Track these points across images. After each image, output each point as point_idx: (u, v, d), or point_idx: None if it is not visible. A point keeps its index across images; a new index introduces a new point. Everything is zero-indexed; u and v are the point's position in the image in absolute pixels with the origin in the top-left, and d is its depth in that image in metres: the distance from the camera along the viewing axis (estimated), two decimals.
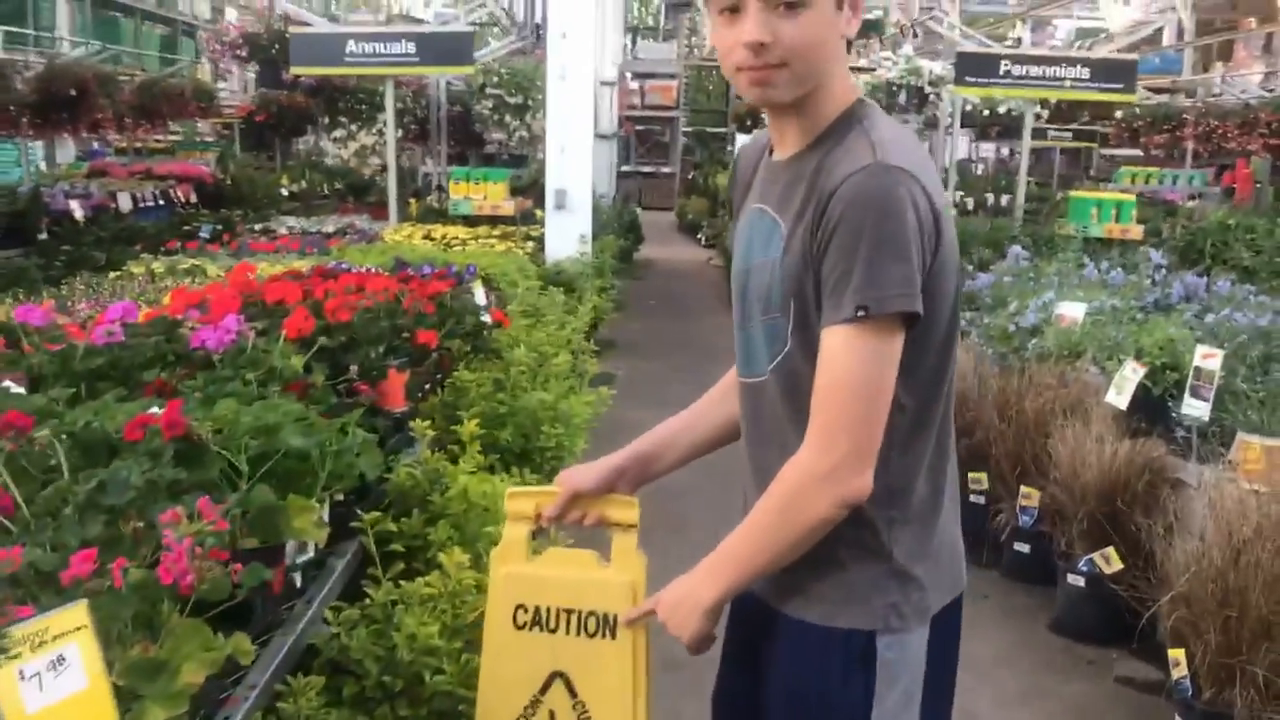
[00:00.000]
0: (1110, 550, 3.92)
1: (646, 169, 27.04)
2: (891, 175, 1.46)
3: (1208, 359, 3.76)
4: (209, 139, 18.73)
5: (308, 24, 8.96)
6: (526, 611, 1.78)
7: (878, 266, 1.44)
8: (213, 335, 3.16)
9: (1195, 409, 3.78)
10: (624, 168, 25.29)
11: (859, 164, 1.47)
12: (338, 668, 2.27)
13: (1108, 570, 3.93)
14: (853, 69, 12.16)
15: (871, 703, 1.57)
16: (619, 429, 7.26)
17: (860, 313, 1.44)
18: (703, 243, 18.75)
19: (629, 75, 25.73)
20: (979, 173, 18.58)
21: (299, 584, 2.51)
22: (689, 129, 27.83)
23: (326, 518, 2.84)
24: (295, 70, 8.43)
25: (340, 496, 2.81)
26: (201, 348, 3.14)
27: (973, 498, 4.97)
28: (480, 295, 5.00)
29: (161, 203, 11.96)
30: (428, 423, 3.18)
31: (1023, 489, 4.49)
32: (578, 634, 1.74)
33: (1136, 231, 8.52)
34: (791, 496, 1.52)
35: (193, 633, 1.64)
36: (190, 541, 1.62)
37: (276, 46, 8.83)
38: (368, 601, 2.31)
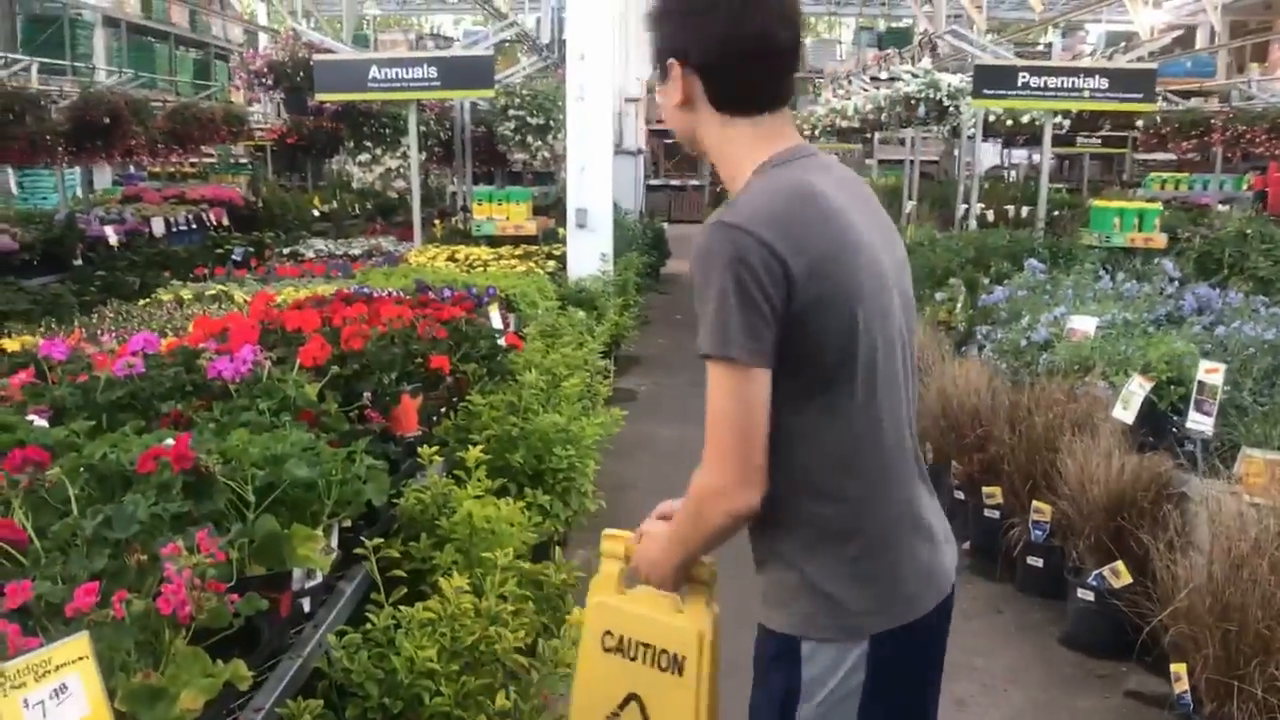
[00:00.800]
0: (1119, 565, 3.94)
1: (675, 183, 27.16)
2: (720, 232, 1.64)
3: (1211, 374, 3.78)
4: (245, 162, 19.07)
5: (332, 51, 9.12)
6: (612, 637, 1.97)
7: (704, 317, 1.64)
8: (229, 366, 3.26)
9: (1199, 424, 3.80)
10: (652, 182, 25.44)
11: (707, 224, 1.68)
12: (343, 690, 2.36)
13: (1116, 584, 3.95)
14: (874, 79, 12.15)
15: (797, 700, 1.75)
16: (641, 445, 7.36)
17: (703, 354, 1.66)
18: None
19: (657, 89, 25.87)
20: (1011, 179, 18.51)
21: (308, 609, 2.60)
22: None
23: (336, 544, 2.94)
24: (320, 97, 8.59)
25: (349, 523, 2.91)
26: (218, 378, 3.25)
27: (987, 512, 5.01)
28: (496, 319, 5.10)
29: (194, 226, 12.20)
30: (435, 448, 3.25)
31: (1034, 503, 4.52)
32: (651, 665, 1.93)
33: (1160, 240, 8.47)
34: (695, 507, 1.74)
35: (193, 660, 1.72)
36: (190, 573, 1.71)
37: (301, 74, 9.00)
38: (369, 626, 2.39)
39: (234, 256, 10.79)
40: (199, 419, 2.97)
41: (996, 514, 4.96)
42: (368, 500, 2.82)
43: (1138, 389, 4.09)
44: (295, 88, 8.97)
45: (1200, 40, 24.01)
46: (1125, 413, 4.13)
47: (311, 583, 2.58)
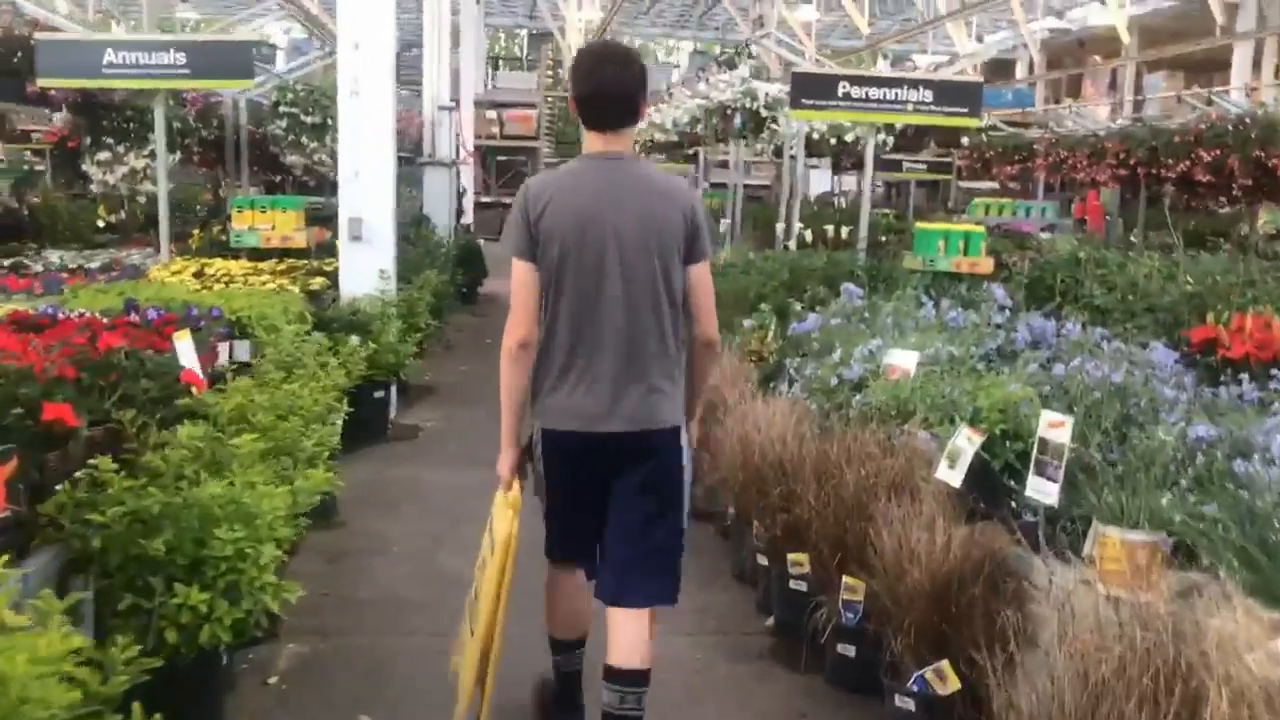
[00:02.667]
0: (944, 666, 3.15)
1: (507, 200, 26.12)
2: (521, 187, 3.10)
3: (1055, 429, 3.02)
4: (39, 167, 17.11)
5: (58, 30, 7.83)
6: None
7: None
8: None
9: (1042, 492, 3.03)
10: (484, 199, 24.38)
11: None
12: None
13: (942, 691, 3.16)
14: (696, 94, 11.36)
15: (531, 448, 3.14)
16: (410, 495, 6.28)
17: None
18: None
19: (482, 104, 24.99)
20: (842, 205, 18.15)
21: None
22: (552, 159, 27.11)
23: None
24: (42, 82, 7.29)
25: None
26: None
27: (793, 583, 4.19)
28: (185, 352, 4.02)
29: None
30: None
31: (845, 580, 3.71)
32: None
33: (987, 265, 7.94)
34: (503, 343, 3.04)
35: None
36: None
37: (20, 55, 7.67)
38: None
39: None
40: None
41: (804, 585, 4.15)
42: None
43: (966, 444, 3.31)
44: (11, 70, 7.64)
45: (1019, 74, 24.43)
46: (952, 472, 3.35)
47: None
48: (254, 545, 3.04)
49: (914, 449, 3.73)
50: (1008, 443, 3.29)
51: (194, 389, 3.68)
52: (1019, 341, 4.53)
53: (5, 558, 2.11)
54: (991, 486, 3.31)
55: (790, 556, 4.16)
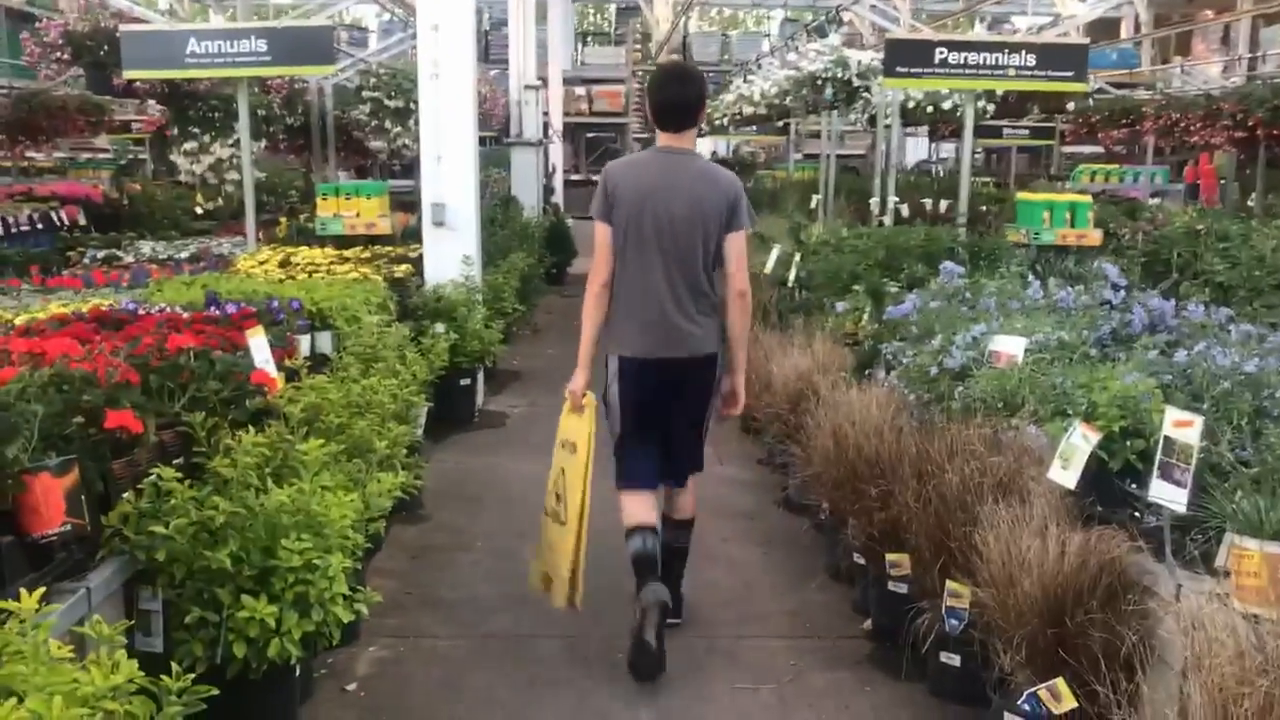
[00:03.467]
0: (1059, 684, 2.90)
1: (597, 177, 25.84)
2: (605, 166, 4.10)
3: (1181, 428, 2.73)
4: (141, 156, 17.42)
5: (144, 21, 7.84)
6: (559, 441, 4.09)
7: None
8: None
9: (1168, 496, 2.75)
10: (574, 177, 24.23)
11: None
12: None
13: (1057, 710, 2.91)
14: (785, 64, 10.95)
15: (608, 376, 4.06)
16: (493, 486, 6.16)
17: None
18: None
19: (571, 81, 24.80)
20: (940, 174, 17.61)
21: None
22: (641, 135, 26.76)
23: None
24: (128, 74, 7.32)
25: None
26: None
27: (892, 585, 3.96)
28: (259, 349, 3.92)
29: (41, 227, 10.82)
30: None
31: (949, 585, 3.46)
32: (565, 450, 4.01)
33: (1094, 237, 7.56)
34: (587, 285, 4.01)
35: None
36: None
37: (106, 48, 7.72)
38: None
39: (85, 260, 9.49)
40: None
41: (903, 588, 3.91)
42: None
43: (1081, 442, 3.04)
44: (98, 63, 7.68)
45: (1124, 34, 23.41)
46: (1065, 473, 3.08)
47: None
48: (322, 555, 2.92)
49: (1023, 446, 3.46)
50: (1128, 441, 3.00)
51: (265, 389, 3.57)
52: (1135, 324, 4.20)
53: (41, 590, 2.00)
54: (1109, 489, 3.04)
55: (889, 557, 3.93)
